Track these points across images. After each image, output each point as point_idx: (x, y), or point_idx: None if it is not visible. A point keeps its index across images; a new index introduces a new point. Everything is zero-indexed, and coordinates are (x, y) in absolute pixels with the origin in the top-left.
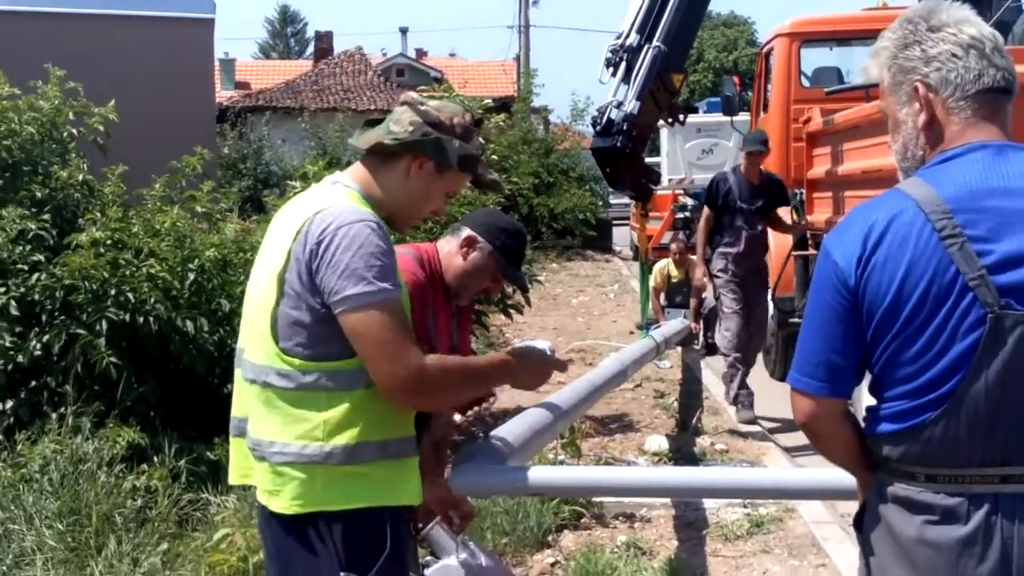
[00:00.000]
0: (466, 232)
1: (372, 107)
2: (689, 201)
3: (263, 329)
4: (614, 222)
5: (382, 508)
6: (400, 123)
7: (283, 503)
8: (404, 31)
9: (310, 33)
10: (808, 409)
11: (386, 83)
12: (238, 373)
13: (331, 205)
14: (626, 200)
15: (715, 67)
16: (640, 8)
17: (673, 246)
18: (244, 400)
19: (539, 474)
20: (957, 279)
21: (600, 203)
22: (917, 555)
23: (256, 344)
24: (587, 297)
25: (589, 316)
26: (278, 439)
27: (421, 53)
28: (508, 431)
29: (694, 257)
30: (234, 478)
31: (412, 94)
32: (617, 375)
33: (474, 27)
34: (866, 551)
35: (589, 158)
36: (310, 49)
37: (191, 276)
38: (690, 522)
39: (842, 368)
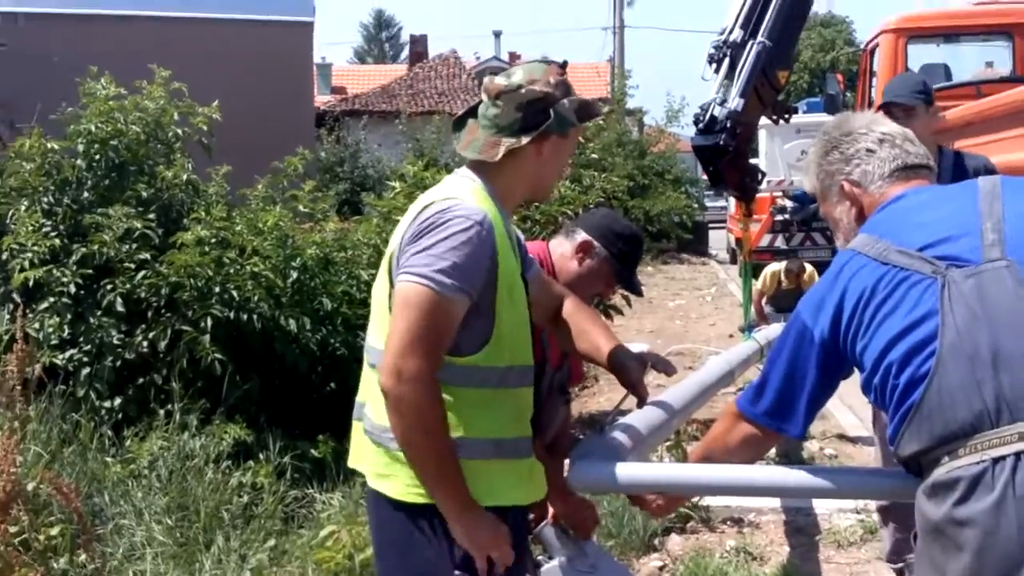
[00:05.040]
0: (582, 236)
1: None
2: (788, 203)
3: (384, 314)
4: (710, 225)
5: (492, 507)
6: (507, 116)
7: (398, 488)
8: (497, 34)
9: (404, 37)
10: (759, 435)
11: (480, 86)
12: (366, 358)
13: (447, 197)
14: (722, 203)
15: (811, 68)
16: (744, 3)
17: (793, 265)
18: (367, 386)
19: (661, 471)
20: (898, 272)
21: (696, 206)
22: (957, 537)
23: (379, 330)
24: (684, 300)
25: (687, 320)
26: None
27: (514, 56)
28: (624, 428)
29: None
30: (352, 461)
31: (499, 81)
32: (725, 375)
33: (567, 29)
34: (921, 556)
35: (684, 160)
36: (404, 53)
37: (294, 274)
38: (801, 528)
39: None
